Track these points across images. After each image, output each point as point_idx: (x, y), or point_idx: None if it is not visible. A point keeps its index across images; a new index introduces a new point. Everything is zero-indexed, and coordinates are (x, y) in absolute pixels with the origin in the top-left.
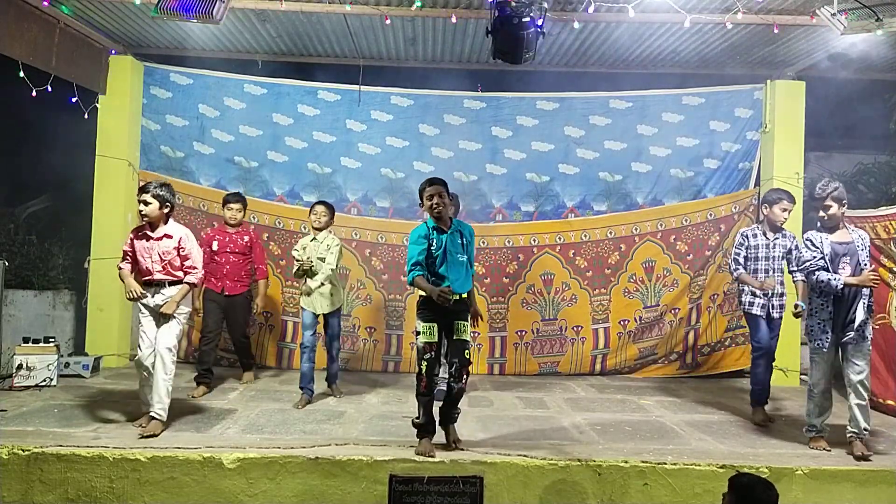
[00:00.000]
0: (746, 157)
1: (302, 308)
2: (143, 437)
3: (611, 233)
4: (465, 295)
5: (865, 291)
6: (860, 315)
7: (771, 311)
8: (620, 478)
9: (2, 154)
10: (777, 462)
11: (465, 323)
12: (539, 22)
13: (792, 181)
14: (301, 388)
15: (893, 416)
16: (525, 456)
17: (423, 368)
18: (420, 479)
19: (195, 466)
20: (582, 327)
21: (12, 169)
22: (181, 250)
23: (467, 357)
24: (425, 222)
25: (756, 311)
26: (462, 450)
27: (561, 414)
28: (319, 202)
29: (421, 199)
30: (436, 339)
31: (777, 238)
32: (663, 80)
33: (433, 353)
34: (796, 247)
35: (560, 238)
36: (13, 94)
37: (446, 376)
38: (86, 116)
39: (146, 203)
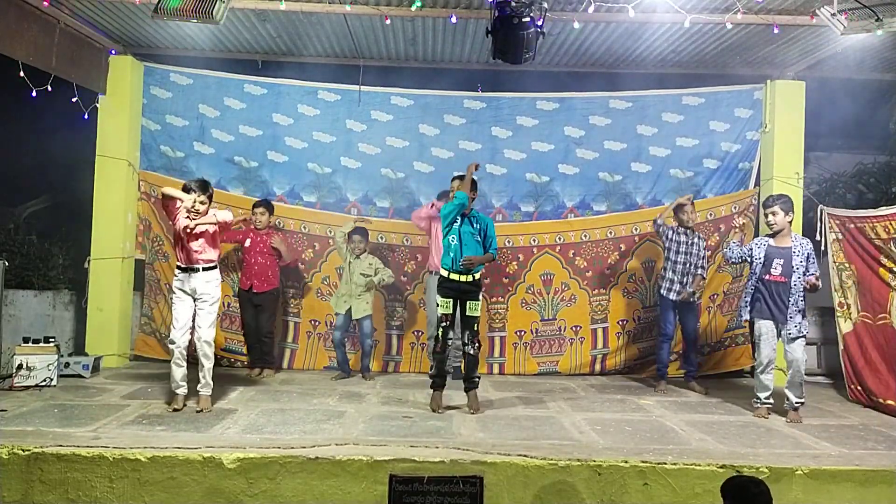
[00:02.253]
0: (746, 157)
1: (337, 312)
2: (200, 411)
3: (610, 233)
4: (477, 276)
5: (797, 290)
6: (793, 309)
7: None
8: (620, 478)
9: (2, 154)
10: (777, 462)
11: (476, 302)
12: (539, 22)
13: (792, 181)
14: (340, 369)
15: (893, 415)
16: (525, 456)
17: (440, 333)
18: (420, 479)
19: (195, 466)
20: (581, 327)
21: (12, 169)
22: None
23: (476, 330)
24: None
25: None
26: (481, 412)
27: (561, 414)
28: (356, 231)
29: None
30: (451, 311)
31: (694, 238)
32: (663, 80)
33: (448, 321)
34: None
35: (560, 238)
36: (13, 94)
37: (459, 355)
38: (86, 116)
39: (202, 202)
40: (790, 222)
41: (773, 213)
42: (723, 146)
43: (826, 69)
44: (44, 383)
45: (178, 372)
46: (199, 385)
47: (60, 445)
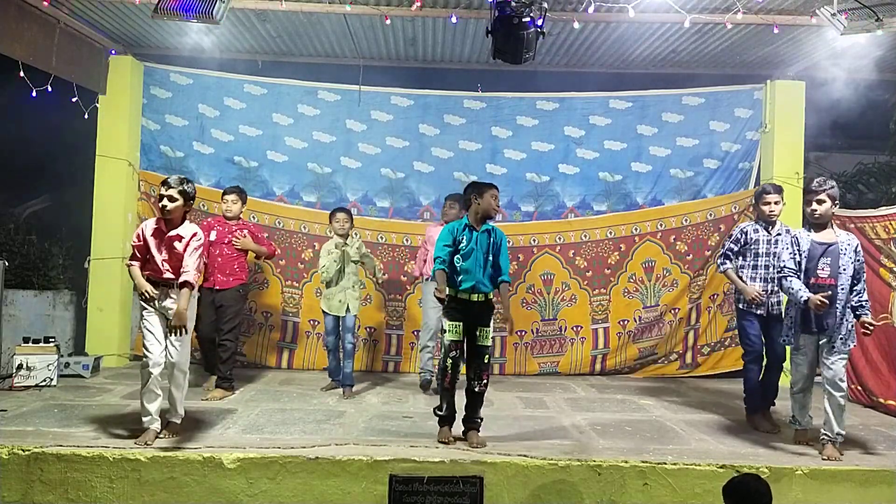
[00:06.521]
0: (746, 157)
1: (325, 313)
2: (165, 437)
3: (611, 233)
4: (490, 296)
5: (845, 294)
6: (840, 317)
7: (770, 309)
8: (620, 478)
9: (2, 154)
10: (777, 462)
11: (488, 329)
12: (539, 22)
13: (792, 181)
14: (331, 378)
15: (894, 415)
16: (525, 456)
17: (449, 365)
18: (420, 479)
19: (195, 466)
20: (581, 327)
21: (12, 169)
22: (186, 247)
23: (487, 362)
24: (461, 219)
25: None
26: (484, 447)
27: (561, 414)
28: (340, 209)
29: (468, 199)
30: (461, 338)
31: (779, 234)
32: (663, 80)
33: (458, 350)
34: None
35: (560, 238)
36: (13, 94)
37: (432, 365)
38: (86, 116)
39: (171, 199)
40: (833, 214)
41: (820, 202)
42: (723, 146)
43: (826, 69)
44: (44, 383)
45: (154, 402)
46: (167, 414)
47: (60, 445)
